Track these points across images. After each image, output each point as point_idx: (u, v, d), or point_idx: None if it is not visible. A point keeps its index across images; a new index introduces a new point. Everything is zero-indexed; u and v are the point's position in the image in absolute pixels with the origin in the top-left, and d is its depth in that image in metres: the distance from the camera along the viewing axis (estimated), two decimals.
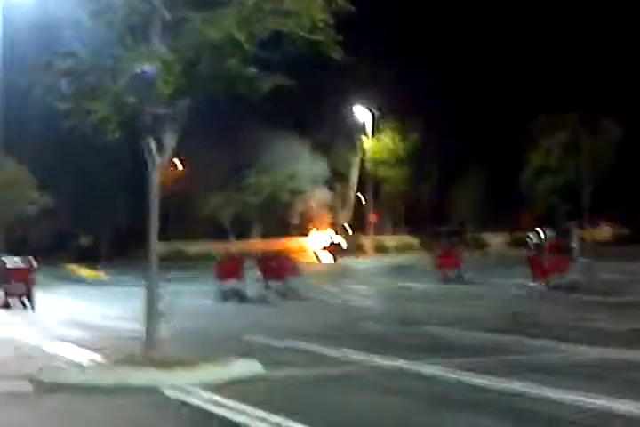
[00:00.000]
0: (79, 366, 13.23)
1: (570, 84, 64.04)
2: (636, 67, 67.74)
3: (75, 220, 70.55)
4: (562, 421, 9.41)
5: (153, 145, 12.98)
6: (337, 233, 78.87)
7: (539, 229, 39.61)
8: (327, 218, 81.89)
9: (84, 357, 14.79)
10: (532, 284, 26.32)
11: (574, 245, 46.34)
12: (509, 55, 71.57)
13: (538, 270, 26.49)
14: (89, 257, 65.63)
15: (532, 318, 19.68)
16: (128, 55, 12.36)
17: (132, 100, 12.35)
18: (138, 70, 12.14)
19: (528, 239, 28.78)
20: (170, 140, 13.01)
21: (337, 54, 13.02)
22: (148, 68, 12.09)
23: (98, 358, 14.46)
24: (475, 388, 11.31)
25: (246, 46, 12.43)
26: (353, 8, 12.94)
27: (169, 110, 12.86)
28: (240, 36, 12.30)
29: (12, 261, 27.68)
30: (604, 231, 72.83)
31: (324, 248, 73.89)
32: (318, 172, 78.94)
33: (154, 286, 13.16)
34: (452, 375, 12.16)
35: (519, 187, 67.76)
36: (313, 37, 12.82)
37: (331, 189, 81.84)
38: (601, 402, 10.08)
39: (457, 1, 72.17)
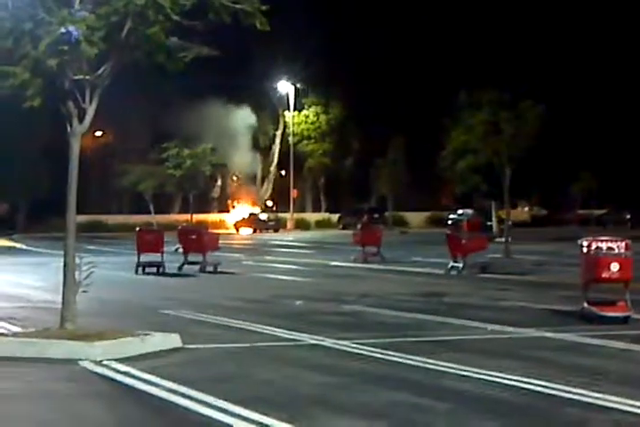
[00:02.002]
0: None
1: (492, 63, 64.43)
2: (559, 51, 68.64)
3: None
4: (476, 396, 9.54)
5: (73, 111, 12.74)
6: (260, 208, 78.76)
7: (458, 209, 40.01)
8: (248, 192, 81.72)
9: (0, 327, 14.57)
10: (450, 262, 26.53)
11: (492, 224, 47.05)
12: (434, 28, 71.72)
13: (456, 249, 26.68)
14: (4, 226, 64.48)
15: (450, 298, 19.86)
16: (50, 19, 12.08)
17: (52, 63, 12.05)
18: (62, 30, 11.86)
19: (447, 218, 29.04)
20: (90, 107, 12.77)
21: (262, 24, 12.86)
22: (71, 28, 11.81)
23: (14, 328, 14.23)
24: (394, 364, 11.41)
25: (169, 12, 12.20)
26: None
27: (90, 76, 12.62)
28: (163, 1, 12.09)
29: None
30: (523, 212, 73.94)
31: (244, 222, 73.74)
32: (240, 145, 78.61)
33: (71, 256, 12.95)
34: (370, 353, 12.24)
35: (440, 165, 68.05)
36: (237, 6, 12.71)
37: (252, 163, 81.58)
38: (515, 378, 10.28)
39: None
